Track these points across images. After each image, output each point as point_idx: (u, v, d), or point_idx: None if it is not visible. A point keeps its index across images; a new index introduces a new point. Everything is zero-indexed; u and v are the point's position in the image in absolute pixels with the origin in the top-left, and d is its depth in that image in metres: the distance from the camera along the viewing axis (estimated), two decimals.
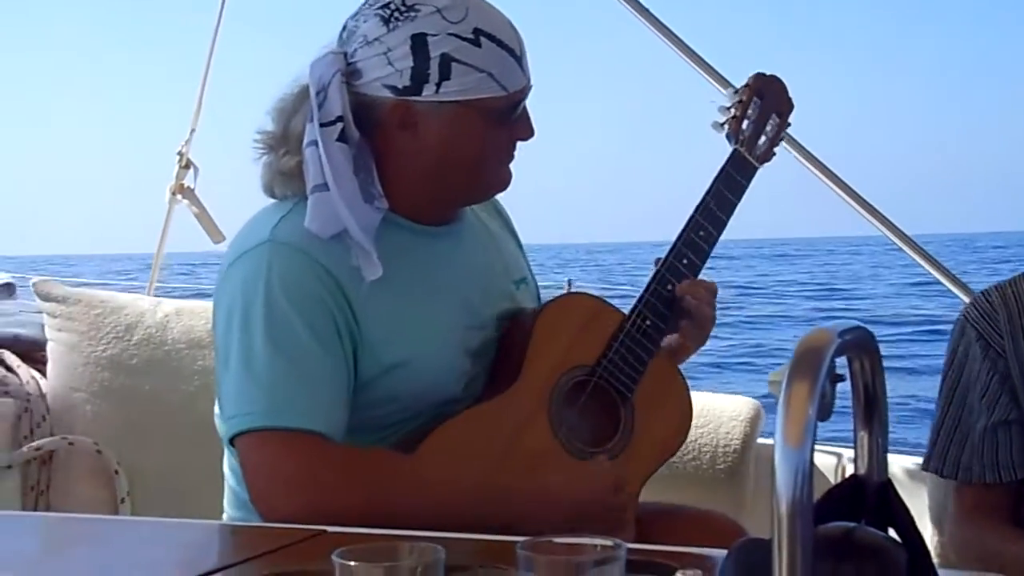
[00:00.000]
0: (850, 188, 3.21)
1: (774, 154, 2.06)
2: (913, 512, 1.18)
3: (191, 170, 3.90)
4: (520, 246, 2.09)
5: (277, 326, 1.68)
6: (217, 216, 3.88)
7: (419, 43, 1.73)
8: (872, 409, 1.18)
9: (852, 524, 1.14)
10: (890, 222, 3.20)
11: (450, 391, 1.81)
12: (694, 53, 3.27)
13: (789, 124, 2.09)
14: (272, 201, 1.83)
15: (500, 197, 2.00)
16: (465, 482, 1.74)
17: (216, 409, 1.84)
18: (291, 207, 1.77)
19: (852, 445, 1.24)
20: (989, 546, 2.08)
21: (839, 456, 2.71)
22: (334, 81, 1.73)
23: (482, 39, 1.74)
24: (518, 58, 1.78)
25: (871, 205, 3.19)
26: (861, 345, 1.14)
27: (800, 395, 0.95)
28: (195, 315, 2.73)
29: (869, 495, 1.20)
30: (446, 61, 1.73)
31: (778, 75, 2.09)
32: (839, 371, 1.09)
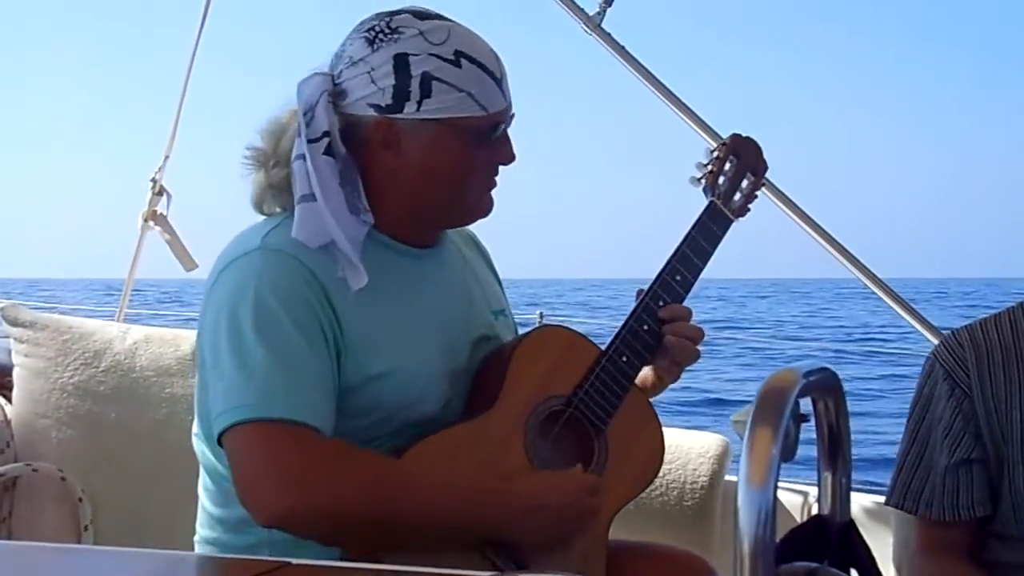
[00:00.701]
0: (821, 228, 3.24)
1: (748, 210, 2.13)
2: (876, 552, 1.18)
3: (164, 197, 3.90)
4: (499, 281, 2.12)
5: (266, 324, 1.71)
6: (189, 243, 3.88)
7: (401, 62, 1.78)
8: (836, 450, 1.18)
9: (814, 564, 1.15)
10: (859, 261, 3.23)
11: (429, 409, 1.83)
12: (677, 99, 3.32)
13: (763, 184, 2.16)
14: (262, 218, 1.87)
15: (479, 229, 2.04)
16: (452, 484, 1.76)
17: (195, 428, 1.85)
18: (280, 220, 1.82)
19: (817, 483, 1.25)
20: None
21: (805, 495, 2.72)
22: (321, 100, 1.78)
23: (463, 60, 1.79)
24: (498, 80, 1.82)
25: (841, 245, 3.22)
26: (825, 386, 1.15)
27: (764, 436, 0.96)
28: (164, 343, 2.71)
29: (832, 535, 1.21)
30: (427, 80, 1.77)
31: (753, 137, 2.16)
32: (803, 411, 1.10)
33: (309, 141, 1.77)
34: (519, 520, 1.76)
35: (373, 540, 1.70)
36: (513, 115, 1.86)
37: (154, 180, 3.88)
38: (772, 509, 0.94)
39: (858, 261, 3.23)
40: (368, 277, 1.76)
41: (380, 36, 1.79)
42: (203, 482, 1.88)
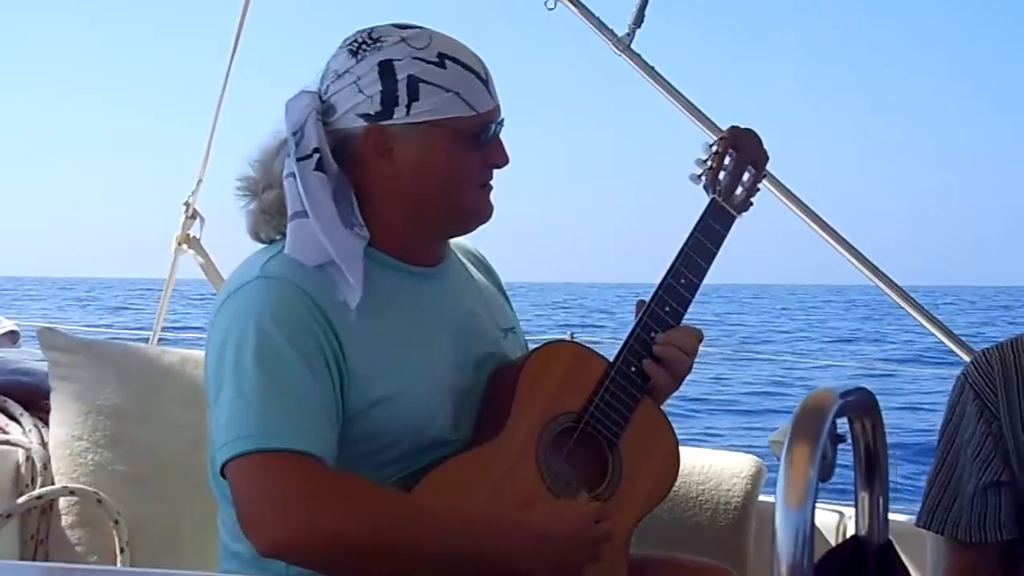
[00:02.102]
0: (843, 238, 3.24)
1: (751, 204, 2.11)
2: (914, 573, 1.17)
3: (197, 220, 3.93)
4: (507, 299, 2.11)
5: (268, 354, 1.71)
6: (223, 266, 3.90)
7: (386, 69, 1.80)
8: (873, 470, 1.18)
9: None
10: (886, 276, 3.22)
11: (436, 430, 1.82)
12: (678, 92, 3.32)
13: (765, 175, 2.14)
14: (260, 246, 1.87)
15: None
16: (458, 513, 1.75)
17: (208, 464, 1.84)
18: (279, 248, 1.81)
19: (854, 503, 1.24)
20: None
21: (841, 515, 2.70)
22: (310, 118, 1.80)
23: (447, 62, 1.81)
24: (484, 81, 1.84)
25: (865, 257, 3.22)
26: (863, 406, 1.14)
27: (801, 456, 0.95)
28: (197, 365, 2.72)
29: (869, 556, 1.20)
30: (413, 83, 1.79)
31: (753, 128, 2.13)
32: (840, 432, 1.09)
33: (299, 159, 1.78)
34: (528, 551, 1.74)
35: (377, 571, 1.69)
36: (503, 119, 1.86)
37: (187, 204, 3.91)
38: (810, 530, 0.93)
39: (871, 263, 3.22)
40: (370, 298, 1.76)
41: (363, 46, 1.82)
42: (220, 514, 1.88)
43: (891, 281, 3.25)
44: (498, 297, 2.07)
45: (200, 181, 3.95)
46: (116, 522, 2.53)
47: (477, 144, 1.83)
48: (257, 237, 1.87)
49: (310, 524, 1.63)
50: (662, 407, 2.01)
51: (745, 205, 2.09)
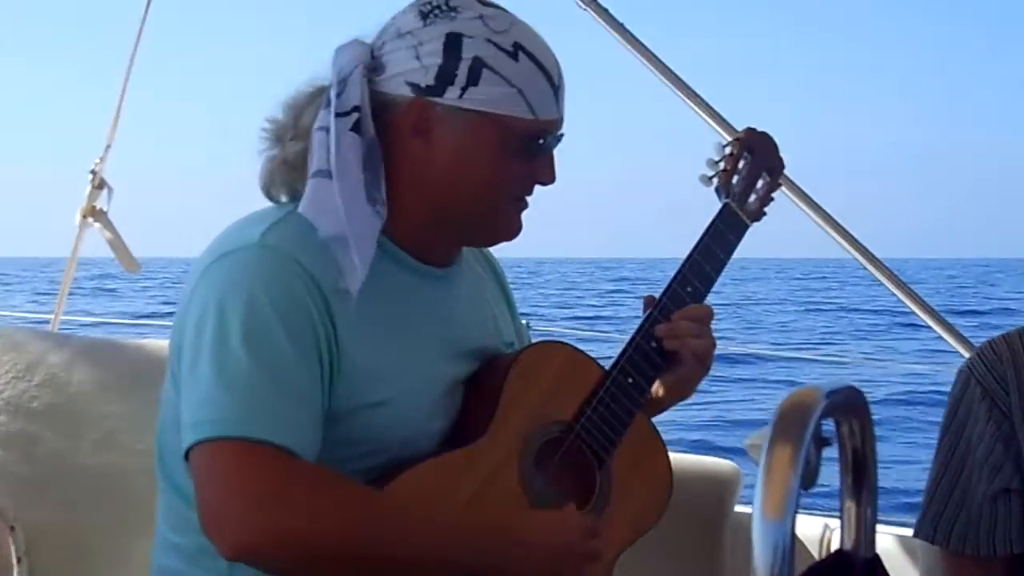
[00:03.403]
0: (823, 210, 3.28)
1: (764, 213, 2.14)
2: None
3: (105, 191, 3.89)
4: (511, 303, 2.12)
5: (257, 331, 1.69)
6: (134, 243, 3.87)
7: (453, 42, 1.78)
8: (861, 477, 1.19)
9: None
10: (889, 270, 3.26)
11: (420, 445, 1.82)
12: (684, 84, 3.35)
13: (779, 185, 2.17)
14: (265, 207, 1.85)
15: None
16: (442, 520, 1.75)
17: (157, 436, 1.84)
18: (284, 214, 1.80)
19: (839, 513, 1.25)
20: None
21: (826, 527, 2.72)
22: (355, 73, 1.78)
23: (521, 54, 1.79)
24: (555, 88, 1.82)
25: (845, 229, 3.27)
26: (850, 406, 1.15)
27: (782, 461, 0.96)
28: (105, 354, 2.71)
29: (856, 572, 1.21)
30: (478, 65, 1.77)
31: (769, 132, 2.16)
32: (825, 434, 1.10)
33: (337, 114, 1.76)
34: (513, 561, 1.75)
35: None
36: (562, 134, 1.85)
37: (94, 172, 3.87)
38: (790, 543, 0.94)
39: (888, 270, 3.26)
40: (374, 291, 1.75)
41: (436, 11, 1.80)
42: (161, 500, 1.87)
43: (871, 254, 3.30)
44: (503, 304, 2.08)
45: (108, 146, 3.91)
46: (12, 529, 2.52)
47: (526, 152, 1.81)
48: (268, 192, 1.86)
49: (280, 525, 1.63)
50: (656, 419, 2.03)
51: (759, 214, 2.12)
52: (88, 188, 3.87)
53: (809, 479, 1.02)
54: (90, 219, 3.89)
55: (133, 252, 3.90)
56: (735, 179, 2.10)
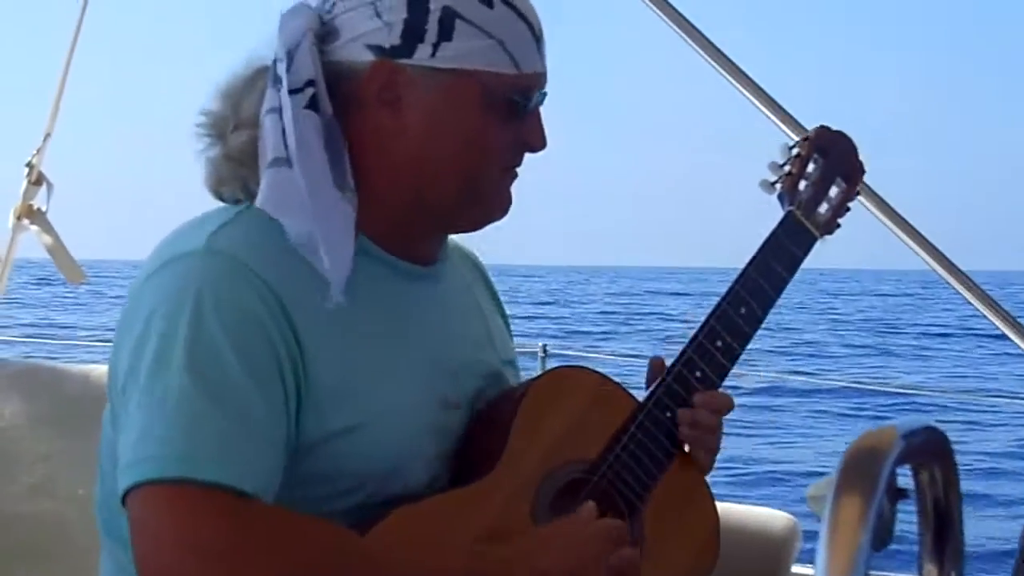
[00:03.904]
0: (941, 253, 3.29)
1: (838, 225, 2.13)
2: None
3: (43, 187, 3.89)
4: (507, 321, 2.12)
5: (202, 352, 1.68)
6: (76, 247, 3.88)
7: None
8: (944, 535, 1.18)
9: None
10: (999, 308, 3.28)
11: (407, 481, 1.81)
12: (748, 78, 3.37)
13: (858, 193, 2.16)
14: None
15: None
16: (428, 566, 1.75)
17: (96, 493, 1.83)
18: (236, 213, 1.79)
19: None
20: None
21: None
22: (304, 42, 1.77)
23: (496, 1, 1.79)
24: (537, 37, 1.83)
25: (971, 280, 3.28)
26: (931, 450, 1.14)
27: (849, 516, 0.95)
28: (41, 382, 2.71)
29: None
30: (449, 16, 1.77)
31: (846, 132, 2.15)
32: (901, 484, 1.09)
33: (290, 91, 1.75)
34: None
35: None
36: (546, 92, 1.85)
37: (30, 165, 3.87)
38: None
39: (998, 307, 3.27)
40: (346, 297, 1.73)
41: None
42: (105, 557, 1.86)
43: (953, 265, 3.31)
44: (498, 319, 2.08)
45: (48, 136, 3.92)
46: None
47: (512, 113, 1.81)
48: (218, 193, 1.84)
49: None
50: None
51: (831, 226, 2.11)
52: (24, 184, 3.87)
53: (882, 537, 1.02)
54: (26, 220, 3.89)
55: (80, 255, 3.90)
56: (802, 184, 2.10)
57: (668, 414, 1.94)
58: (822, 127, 2.15)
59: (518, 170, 1.88)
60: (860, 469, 0.99)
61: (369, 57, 1.78)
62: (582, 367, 2.02)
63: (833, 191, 2.11)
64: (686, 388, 1.96)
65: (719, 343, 1.98)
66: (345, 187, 1.77)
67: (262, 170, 1.76)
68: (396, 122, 1.80)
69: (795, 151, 2.12)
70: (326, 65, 1.79)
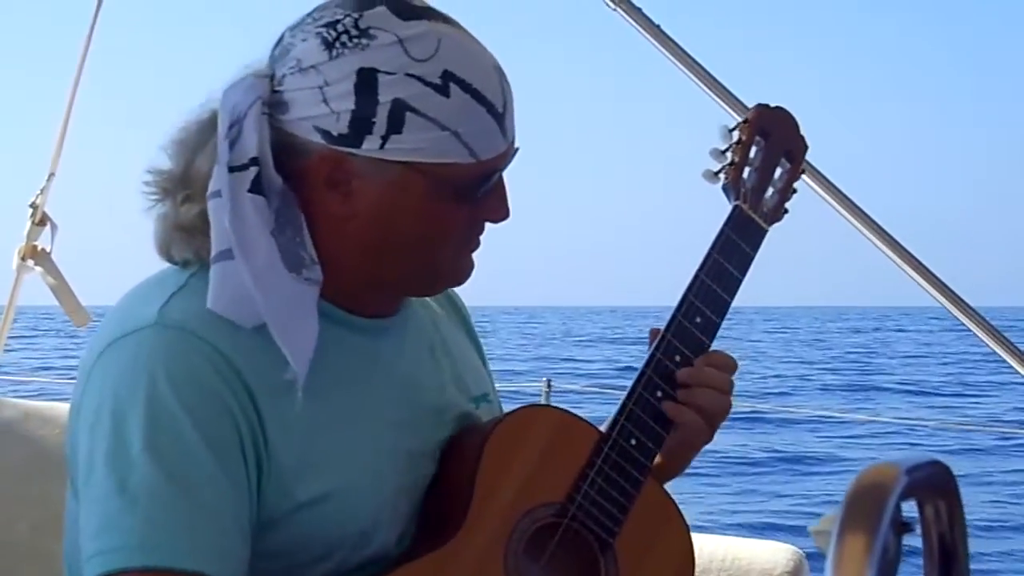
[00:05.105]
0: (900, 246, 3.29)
1: (786, 211, 2.06)
2: None
3: (47, 228, 3.88)
4: (480, 351, 2.09)
5: (161, 434, 1.64)
6: (81, 289, 3.87)
7: (367, 81, 1.69)
8: (949, 570, 1.17)
9: None
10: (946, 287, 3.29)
11: (378, 543, 1.79)
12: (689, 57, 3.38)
13: (803, 171, 2.10)
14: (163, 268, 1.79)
15: None
16: None
17: (64, 568, 1.81)
18: (187, 278, 1.74)
19: None
20: None
21: None
22: (252, 112, 1.70)
23: (452, 86, 1.70)
24: (499, 116, 1.74)
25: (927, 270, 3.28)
26: (936, 485, 1.13)
27: (854, 551, 0.95)
28: (44, 421, 2.70)
29: None
30: (399, 109, 1.69)
31: (784, 106, 2.09)
32: (906, 518, 1.08)
33: (231, 168, 1.68)
34: None
35: None
36: (516, 149, 1.79)
37: (34, 206, 3.87)
38: None
39: (945, 286, 3.28)
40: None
41: (343, 38, 1.70)
42: None
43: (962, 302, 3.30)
44: (469, 350, 2.04)
45: (52, 175, 3.91)
46: None
47: (469, 197, 1.75)
48: (168, 255, 1.78)
49: None
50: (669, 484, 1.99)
51: (778, 213, 2.04)
52: (28, 225, 3.87)
53: (887, 572, 1.01)
54: (30, 261, 3.89)
55: (85, 300, 3.89)
56: (746, 172, 2.03)
57: (633, 441, 1.90)
58: (761, 106, 2.08)
59: (481, 238, 1.83)
60: (864, 503, 0.98)
61: (318, 139, 1.70)
62: (543, 405, 2.01)
63: (777, 172, 2.05)
64: (649, 411, 1.91)
65: (678, 357, 1.94)
66: (301, 265, 1.71)
67: (210, 261, 1.69)
68: (346, 208, 1.73)
69: (736, 134, 2.05)
70: (280, 134, 1.72)
